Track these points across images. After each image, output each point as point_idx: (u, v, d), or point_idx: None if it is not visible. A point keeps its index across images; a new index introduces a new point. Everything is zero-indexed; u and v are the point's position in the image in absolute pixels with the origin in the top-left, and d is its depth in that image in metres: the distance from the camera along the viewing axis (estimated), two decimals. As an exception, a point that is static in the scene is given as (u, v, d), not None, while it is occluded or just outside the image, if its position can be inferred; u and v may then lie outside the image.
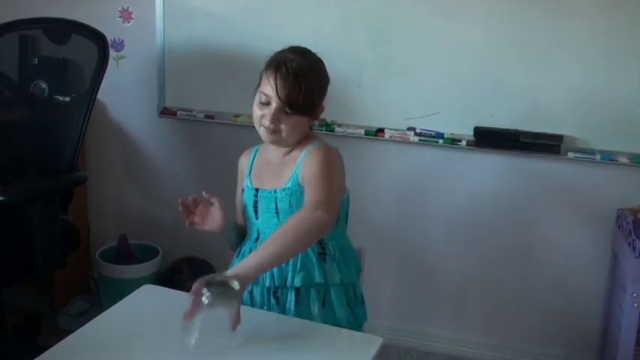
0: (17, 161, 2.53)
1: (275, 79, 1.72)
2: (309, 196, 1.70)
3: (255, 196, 1.86)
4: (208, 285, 1.44)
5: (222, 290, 1.44)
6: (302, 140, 1.84)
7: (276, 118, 1.73)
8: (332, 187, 1.72)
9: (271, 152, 1.87)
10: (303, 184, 1.77)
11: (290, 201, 1.79)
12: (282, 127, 1.74)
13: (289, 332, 1.64)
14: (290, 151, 1.84)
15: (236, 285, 1.45)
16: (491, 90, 2.67)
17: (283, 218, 1.79)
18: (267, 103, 1.74)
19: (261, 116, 1.75)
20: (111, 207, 3.34)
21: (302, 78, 1.71)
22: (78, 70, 2.53)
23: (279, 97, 1.71)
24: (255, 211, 1.86)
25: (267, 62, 1.77)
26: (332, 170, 1.75)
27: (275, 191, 1.81)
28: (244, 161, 1.95)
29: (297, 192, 1.78)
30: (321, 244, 1.83)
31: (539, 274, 2.83)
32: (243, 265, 1.54)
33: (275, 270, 1.80)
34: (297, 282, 1.80)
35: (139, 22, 3.05)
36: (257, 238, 1.87)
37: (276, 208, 1.81)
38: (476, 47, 2.65)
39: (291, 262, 1.80)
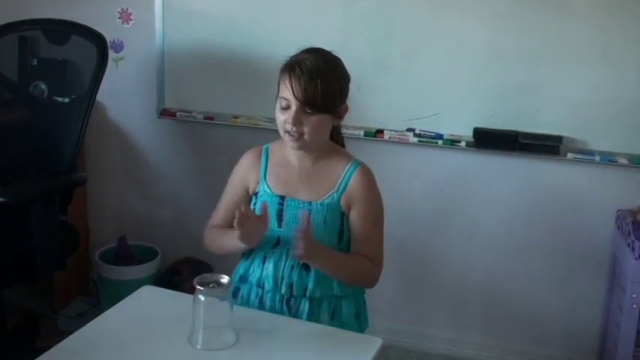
0: (17, 162, 2.53)
1: (290, 81, 1.70)
2: (372, 250, 1.81)
3: (281, 204, 1.80)
4: (201, 283, 1.54)
5: (213, 286, 1.55)
6: (332, 150, 1.83)
7: (297, 120, 1.70)
8: (383, 238, 1.84)
9: (293, 156, 1.82)
10: (345, 207, 1.79)
11: (325, 217, 1.78)
12: (305, 129, 1.71)
13: (289, 333, 1.64)
14: (319, 159, 1.81)
15: (225, 279, 1.57)
16: (490, 91, 2.67)
17: (316, 232, 1.75)
18: (288, 107, 1.71)
19: (284, 121, 1.72)
20: (110, 208, 3.33)
21: (317, 75, 1.68)
22: (77, 71, 2.54)
23: (297, 98, 1.69)
24: (279, 219, 1.81)
25: (282, 66, 1.75)
26: (383, 213, 1.84)
27: (310, 203, 1.78)
28: (253, 162, 1.87)
29: (334, 210, 1.78)
30: None
31: (538, 275, 2.83)
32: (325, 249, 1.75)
33: (295, 279, 1.79)
34: (317, 292, 1.80)
35: (139, 23, 3.05)
36: (276, 244, 1.82)
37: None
38: (475, 48, 2.65)
39: (312, 273, 1.80)
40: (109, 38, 2.57)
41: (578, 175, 2.69)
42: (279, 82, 1.75)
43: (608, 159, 2.59)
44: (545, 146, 2.63)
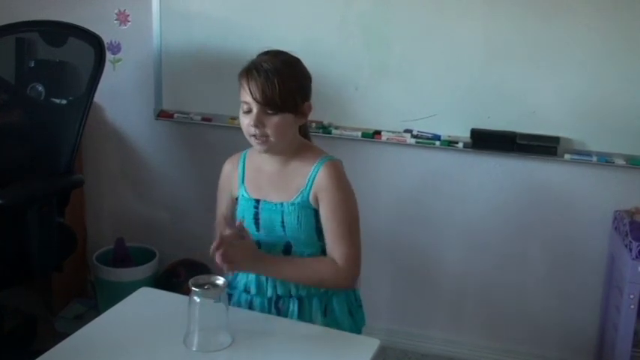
0: (14, 164, 2.53)
1: (248, 84, 1.72)
2: (341, 248, 1.77)
3: (256, 207, 1.82)
4: (196, 285, 1.54)
5: (208, 287, 1.55)
6: (302, 150, 1.83)
7: (259, 121, 1.72)
8: (358, 235, 1.81)
9: (265, 160, 1.84)
10: (314, 203, 1.78)
11: (298, 216, 1.78)
12: (268, 130, 1.72)
13: (287, 334, 1.64)
14: (289, 160, 1.82)
15: (220, 280, 1.57)
16: (488, 92, 2.67)
17: (290, 232, 1.79)
18: (249, 111, 1.74)
19: (247, 125, 1.75)
20: (108, 210, 3.33)
21: (273, 75, 1.70)
22: (74, 73, 2.53)
23: (256, 100, 1.71)
24: (256, 223, 1.83)
25: (240, 71, 1.76)
26: (354, 208, 1.82)
27: (282, 204, 1.79)
28: (231, 169, 1.91)
29: (306, 208, 1.78)
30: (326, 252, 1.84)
31: (536, 276, 2.84)
32: (262, 258, 1.75)
33: (278, 280, 1.80)
34: (303, 292, 1.80)
35: (136, 24, 3.05)
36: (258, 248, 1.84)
37: (283, 222, 1.79)
38: (473, 49, 2.65)
39: None
40: (106, 40, 2.57)
41: (575, 175, 2.69)
42: (239, 88, 1.76)
43: (606, 160, 2.60)
44: (543, 147, 2.63)
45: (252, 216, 1.83)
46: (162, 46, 2.98)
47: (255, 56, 1.78)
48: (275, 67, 1.71)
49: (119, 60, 3.10)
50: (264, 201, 1.82)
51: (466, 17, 2.63)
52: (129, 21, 3.06)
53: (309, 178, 1.78)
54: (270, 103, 1.70)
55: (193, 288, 1.52)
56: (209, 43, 2.93)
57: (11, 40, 2.60)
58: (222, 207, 1.95)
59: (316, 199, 1.77)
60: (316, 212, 1.79)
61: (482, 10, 2.61)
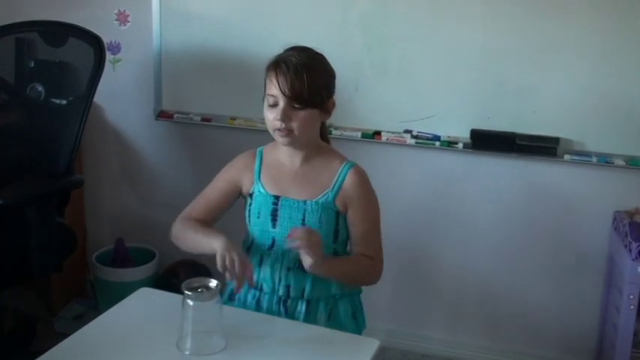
0: (14, 164, 2.53)
1: (276, 78, 1.71)
2: (373, 245, 1.83)
3: (275, 204, 1.81)
4: (189, 288, 1.53)
5: (202, 290, 1.53)
6: (322, 149, 1.85)
7: (285, 116, 1.71)
8: (380, 233, 1.87)
9: (285, 155, 1.83)
10: (341, 207, 1.79)
11: (320, 216, 1.78)
12: (294, 124, 1.72)
13: (285, 335, 1.64)
14: (310, 157, 1.82)
15: (213, 283, 1.54)
16: (487, 92, 2.67)
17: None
18: (276, 104, 1.73)
19: (273, 119, 1.74)
20: (108, 210, 3.33)
21: (302, 70, 1.70)
22: (74, 73, 2.53)
23: (284, 94, 1.70)
24: (274, 220, 1.82)
25: (267, 64, 1.76)
26: (379, 211, 1.86)
27: (305, 202, 1.79)
28: (247, 163, 1.89)
29: (329, 209, 1.79)
30: (337, 254, 1.84)
31: (535, 277, 2.84)
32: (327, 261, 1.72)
33: (292, 281, 1.80)
34: (315, 294, 1.80)
35: (136, 25, 3.04)
36: (272, 246, 1.82)
37: (304, 220, 1.78)
38: (472, 49, 2.65)
39: (310, 274, 1.78)
40: (106, 40, 2.56)
41: (575, 176, 2.69)
42: (265, 81, 1.77)
43: (605, 160, 2.60)
44: (543, 148, 2.63)
45: (269, 212, 1.81)
46: (162, 46, 2.98)
47: (281, 51, 1.79)
48: (304, 62, 1.72)
49: (119, 60, 3.10)
50: (285, 197, 1.81)
51: (466, 17, 2.63)
52: (129, 21, 3.06)
53: (336, 181, 1.80)
54: (298, 98, 1.71)
55: (186, 291, 1.51)
56: (209, 43, 2.93)
57: (11, 40, 2.60)
58: (212, 194, 1.95)
59: (343, 204, 1.79)
60: (337, 214, 1.80)
61: (482, 10, 2.61)
